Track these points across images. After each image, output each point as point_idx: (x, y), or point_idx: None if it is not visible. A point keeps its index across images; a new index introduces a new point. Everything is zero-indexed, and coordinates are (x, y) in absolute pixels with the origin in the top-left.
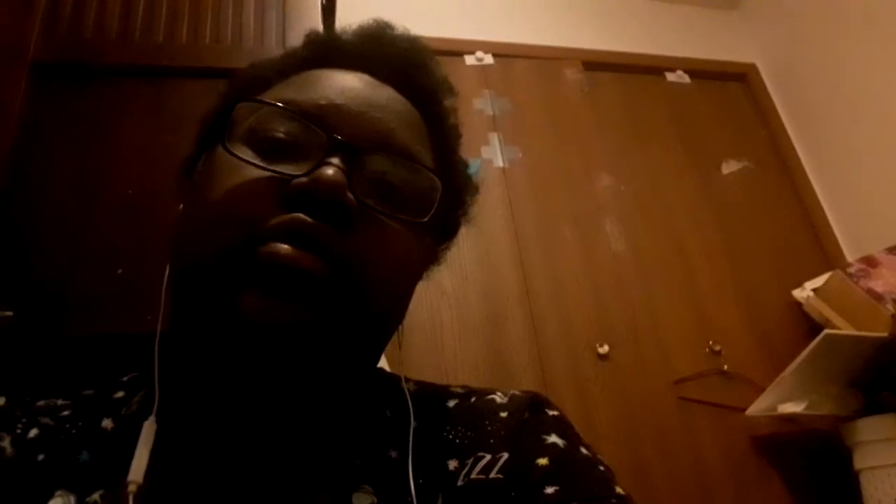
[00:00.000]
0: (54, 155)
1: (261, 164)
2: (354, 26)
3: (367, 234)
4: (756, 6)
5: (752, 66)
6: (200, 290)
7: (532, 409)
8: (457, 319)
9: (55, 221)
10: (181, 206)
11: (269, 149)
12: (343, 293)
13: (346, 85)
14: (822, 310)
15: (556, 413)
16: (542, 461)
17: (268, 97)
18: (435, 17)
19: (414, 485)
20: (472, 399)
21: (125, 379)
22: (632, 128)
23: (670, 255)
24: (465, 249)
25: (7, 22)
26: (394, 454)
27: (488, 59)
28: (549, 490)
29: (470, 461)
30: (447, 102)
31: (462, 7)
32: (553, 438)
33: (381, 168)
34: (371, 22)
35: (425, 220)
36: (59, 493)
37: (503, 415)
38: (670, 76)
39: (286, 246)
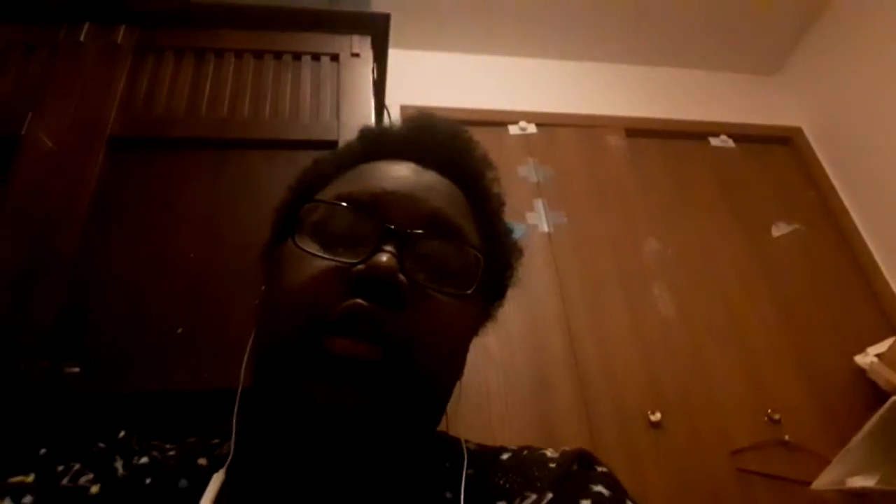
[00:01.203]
0: (123, 219)
1: (324, 255)
2: (403, 119)
3: (419, 309)
4: (798, 70)
5: (798, 129)
6: (274, 371)
7: (581, 463)
8: (504, 384)
9: (121, 282)
10: (263, 287)
11: (331, 240)
12: (398, 372)
13: (395, 174)
14: (888, 375)
15: (604, 469)
16: (585, 502)
17: (328, 192)
18: (479, 90)
19: None
20: (524, 453)
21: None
22: (677, 192)
23: (722, 320)
24: (511, 314)
25: (90, 102)
26: (448, 495)
27: (531, 129)
28: None
29: (517, 501)
30: (489, 176)
31: (505, 79)
32: (599, 488)
33: (430, 247)
34: (417, 114)
35: (470, 291)
36: None
37: (552, 465)
38: (714, 141)
39: (344, 341)
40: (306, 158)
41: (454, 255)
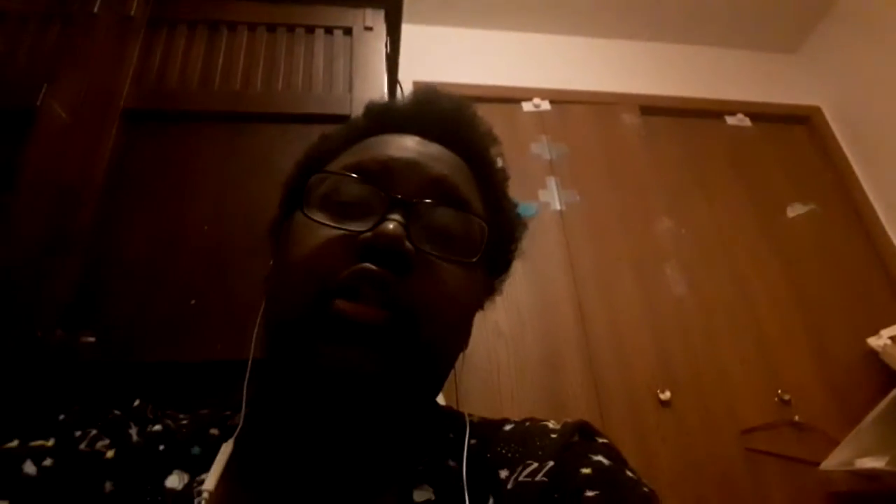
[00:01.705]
0: (138, 192)
1: (333, 223)
2: (408, 94)
3: (425, 275)
4: (818, 49)
5: (816, 109)
6: (284, 339)
7: (582, 434)
8: (514, 361)
9: (136, 254)
10: (271, 262)
11: (339, 210)
12: (404, 336)
13: (400, 145)
14: None
15: (605, 440)
16: (586, 470)
17: (335, 165)
18: (493, 66)
19: (467, 487)
20: (527, 424)
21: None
22: (691, 171)
23: (734, 300)
24: (522, 292)
25: (104, 74)
26: (452, 463)
27: (545, 106)
28: (590, 494)
29: (519, 468)
30: (493, 150)
31: (519, 56)
32: (599, 458)
33: (435, 216)
34: (421, 88)
35: (475, 259)
36: (175, 471)
37: (553, 436)
38: (730, 120)
39: (352, 303)
40: (319, 132)
41: (459, 224)
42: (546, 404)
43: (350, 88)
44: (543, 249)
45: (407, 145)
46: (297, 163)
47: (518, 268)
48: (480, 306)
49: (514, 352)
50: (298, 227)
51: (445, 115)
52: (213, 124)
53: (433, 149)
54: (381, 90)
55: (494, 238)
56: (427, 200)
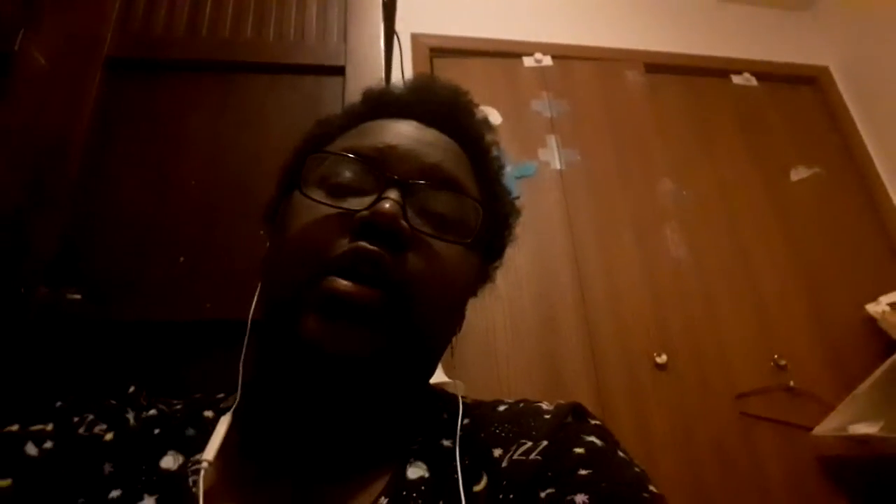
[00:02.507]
0: (123, 145)
1: (329, 202)
2: (405, 81)
3: (420, 254)
4: (829, 6)
5: (825, 69)
6: (275, 313)
7: (575, 416)
8: (510, 324)
9: (123, 209)
10: (268, 244)
11: (337, 190)
12: (395, 314)
13: (397, 130)
14: None
15: (597, 422)
16: (579, 450)
17: (333, 148)
18: (493, 19)
19: (460, 464)
20: (521, 405)
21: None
22: (695, 132)
23: (734, 264)
24: (519, 253)
25: (85, 19)
26: (446, 443)
27: (547, 61)
28: (583, 472)
29: (513, 447)
30: (488, 138)
31: (521, 8)
32: (592, 438)
33: (430, 197)
34: (418, 76)
35: (469, 240)
36: (170, 452)
37: (547, 416)
38: (736, 79)
39: (345, 282)
40: (312, 84)
41: (454, 206)
42: (542, 367)
43: (345, 39)
44: (542, 210)
45: (403, 131)
46: (294, 147)
47: (516, 228)
48: (474, 292)
49: (510, 314)
50: (295, 206)
51: (443, 102)
52: (201, 74)
53: (430, 134)
54: (376, 41)
55: (489, 222)
56: (422, 181)
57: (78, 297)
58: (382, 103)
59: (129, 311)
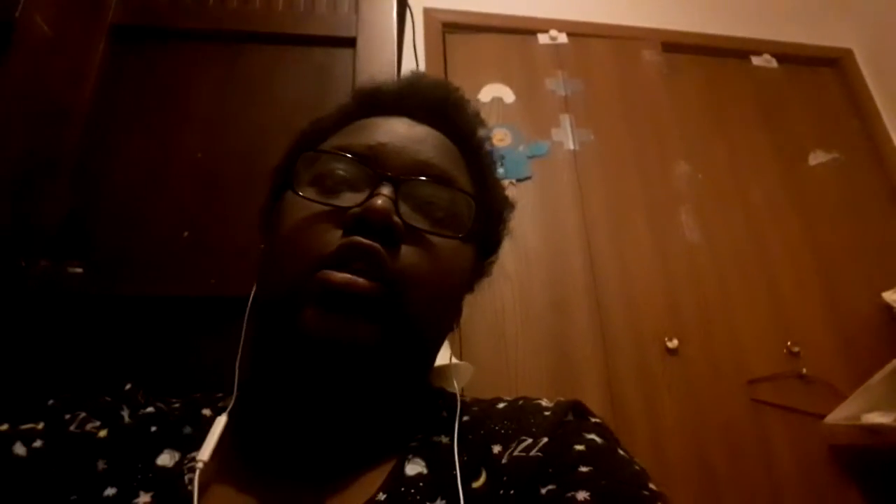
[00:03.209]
0: (128, 115)
1: (322, 200)
2: (397, 79)
3: (413, 249)
4: None
5: (848, 52)
6: (272, 309)
7: (576, 413)
8: (519, 304)
9: (126, 181)
10: (262, 245)
11: (330, 188)
12: (391, 308)
13: (389, 128)
14: None
15: (598, 420)
16: (580, 447)
17: (325, 147)
18: None
19: (458, 460)
20: (520, 402)
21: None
22: (712, 114)
23: (749, 249)
24: (530, 233)
25: None
26: (444, 439)
27: (562, 39)
28: (584, 469)
29: (513, 444)
30: (481, 132)
31: None
32: (592, 436)
33: (423, 192)
34: (410, 73)
35: (463, 235)
36: (167, 450)
37: (547, 413)
38: (756, 60)
39: (341, 273)
40: (322, 56)
41: (447, 201)
42: (551, 349)
43: (356, 9)
44: (554, 190)
45: (395, 129)
46: (287, 148)
47: (527, 208)
48: (470, 288)
49: (520, 295)
50: (288, 205)
51: (435, 98)
52: (208, 44)
53: (421, 131)
54: (389, 14)
55: (482, 216)
56: (414, 177)
57: (79, 270)
58: (374, 101)
59: (132, 286)
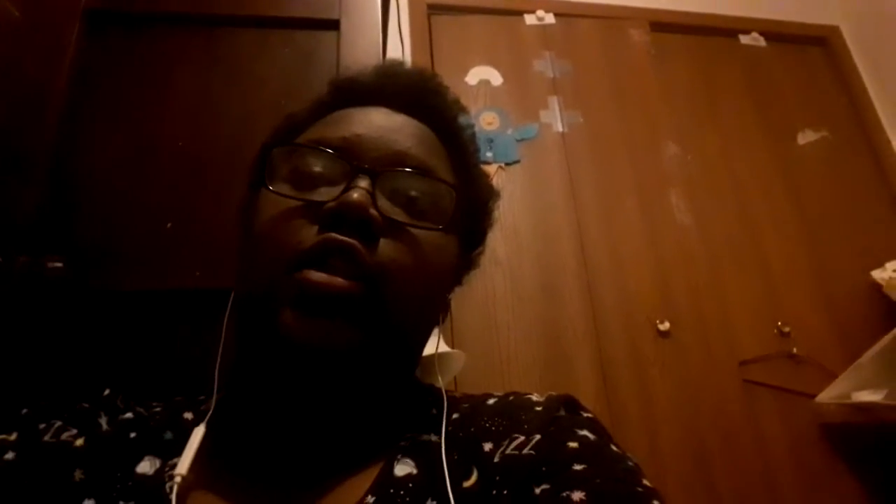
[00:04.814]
0: (106, 103)
1: (296, 195)
2: (373, 67)
3: (393, 243)
4: None
5: (835, 29)
6: (252, 314)
7: (567, 408)
8: (510, 289)
9: (106, 172)
10: (239, 244)
11: (305, 182)
12: (371, 305)
13: (365, 119)
14: None
15: (589, 415)
16: (573, 444)
17: (301, 140)
18: None
19: (447, 459)
20: (511, 398)
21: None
22: (701, 94)
23: (739, 230)
24: (520, 217)
25: None
26: (434, 438)
27: (549, 19)
28: (578, 467)
29: (505, 442)
30: (461, 120)
31: None
32: (585, 432)
33: (401, 184)
34: (386, 62)
35: (444, 226)
36: (147, 457)
37: (538, 409)
38: (744, 39)
39: (319, 273)
40: (305, 39)
41: (427, 192)
42: (542, 334)
43: None
44: (543, 173)
45: (372, 118)
46: (263, 142)
47: (516, 192)
48: (458, 280)
49: (510, 280)
50: (263, 202)
51: (412, 86)
52: (186, 28)
53: (399, 120)
54: None
55: (465, 206)
56: (391, 169)
57: (60, 265)
58: (350, 91)
59: (114, 280)
